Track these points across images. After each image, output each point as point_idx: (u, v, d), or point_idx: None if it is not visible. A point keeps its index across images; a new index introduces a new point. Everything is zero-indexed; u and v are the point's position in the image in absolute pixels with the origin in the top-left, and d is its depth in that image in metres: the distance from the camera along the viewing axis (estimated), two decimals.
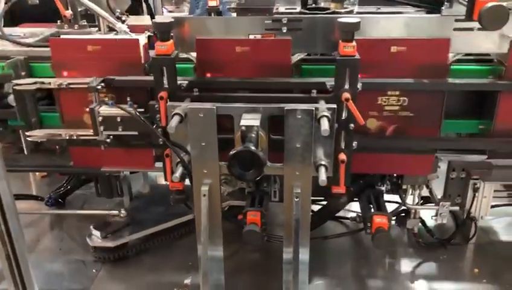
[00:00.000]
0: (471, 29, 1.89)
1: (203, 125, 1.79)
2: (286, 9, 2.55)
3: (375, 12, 2.46)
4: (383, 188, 2.35)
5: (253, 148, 1.65)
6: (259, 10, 2.65)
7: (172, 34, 1.99)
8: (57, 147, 2.44)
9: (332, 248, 2.57)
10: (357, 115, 1.82)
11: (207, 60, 2.04)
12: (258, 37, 2.03)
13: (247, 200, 2.27)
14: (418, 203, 2.37)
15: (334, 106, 1.79)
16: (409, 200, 2.39)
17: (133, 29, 2.45)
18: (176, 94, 1.91)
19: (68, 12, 2.51)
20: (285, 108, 1.75)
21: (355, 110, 1.82)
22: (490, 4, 1.61)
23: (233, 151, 1.66)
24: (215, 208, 1.94)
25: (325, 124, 1.69)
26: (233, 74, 2.03)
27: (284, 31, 2.01)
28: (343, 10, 2.42)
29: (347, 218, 2.72)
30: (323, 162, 1.84)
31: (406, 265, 2.47)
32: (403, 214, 2.49)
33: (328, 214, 2.54)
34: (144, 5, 2.68)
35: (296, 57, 2.07)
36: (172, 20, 1.90)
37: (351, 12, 2.42)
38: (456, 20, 1.89)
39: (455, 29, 1.92)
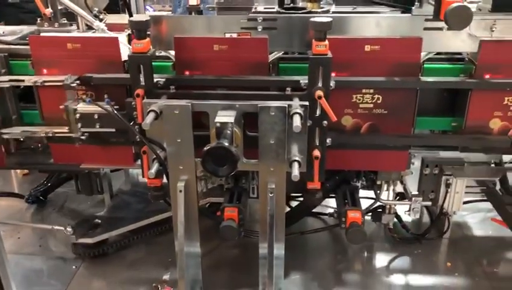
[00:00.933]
0: (440, 28, 1.95)
1: (179, 122, 1.82)
2: (265, 8, 2.58)
3: (351, 12, 2.50)
4: (358, 184, 2.40)
5: (226, 144, 1.69)
6: (239, 9, 2.70)
7: (149, 33, 2.04)
8: (39, 144, 2.46)
9: (310, 243, 2.62)
10: (329, 112, 1.87)
11: (185, 58, 2.07)
12: (234, 35, 2.07)
13: (225, 197, 2.31)
14: (392, 198, 2.42)
15: (307, 103, 1.84)
16: (385, 196, 2.44)
17: (113, 27, 2.48)
18: (152, 91, 1.94)
19: (48, 11, 2.52)
20: (259, 105, 1.79)
21: (328, 107, 1.86)
22: (454, 5, 1.66)
23: (207, 148, 1.69)
24: (192, 203, 1.97)
25: (297, 121, 1.73)
26: (211, 72, 2.06)
27: (260, 29, 2.05)
28: (319, 10, 2.47)
29: (326, 214, 2.78)
30: (296, 158, 1.88)
31: (381, 259, 2.52)
32: (380, 210, 2.54)
33: (305, 209, 2.58)
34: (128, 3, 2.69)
35: (273, 56, 2.11)
36: (149, 18, 1.93)
37: (327, 12, 2.46)
38: (426, 20, 1.95)
39: (425, 29, 1.97)
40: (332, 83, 1.94)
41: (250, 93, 1.91)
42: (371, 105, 2.09)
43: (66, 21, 2.55)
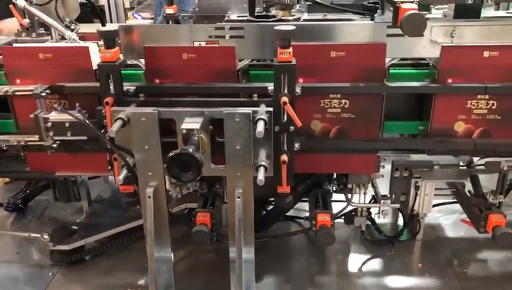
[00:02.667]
0: (402, 35, 1.99)
1: (146, 129, 1.86)
2: (238, 16, 2.64)
3: (321, 19, 2.55)
4: (330, 188, 2.44)
5: (190, 150, 1.72)
6: (213, 18, 2.75)
7: (120, 42, 2.08)
8: (22, 153, 2.48)
9: (284, 247, 2.65)
10: (294, 118, 1.91)
11: (155, 66, 2.11)
12: (203, 44, 2.11)
13: (199, 202, 2.34)
14: (363, 201, 2.46)
15: (271, 109, 1.88)
16: (358, 199, 2.48)
17: (89, 37, 2.52)
18: (122, 99, 1.98)
19: (25, 21, 2.56)
20: (224, 112, 1.83)
21: (293, 113, 1.90)
22: (409, 12, 1.71)
23: (171, 154, 1.73)
24: (162, 209, 2.01)
25: (260, 127, 1.77)
26: (181, 80, 2.11)
27: (227, 38, 2.09)
28: (290, 18, 2.52)
29: (302, 217, 2.82)
30: (263, 163, 1.92)
31: (354, 262, 2.56)
32: (353, 213, 2.58)
33: (279, 213, 2.62)
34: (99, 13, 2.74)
35: (242, 63, 2.16)
36: (117, 28, 1.97)
37: (298, 19, 2.52)
38: (388, 27, 2.00)
39: (388, 35, 2.02)
40: (298, 89, 1.99)
41: (216, 100, 1.96)
42: (339, 110, 2.14)
43: (43, 31, 2.60)
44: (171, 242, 2.10)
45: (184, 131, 1.82)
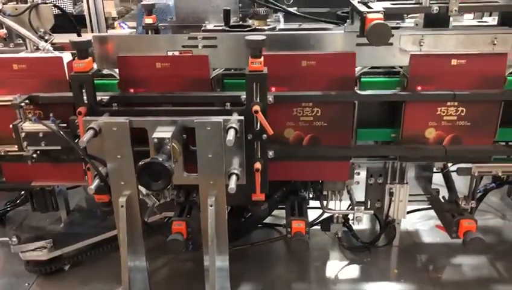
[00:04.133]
0: (370, 44, 2.03)
1: (117, 138, 1.87)
2: (215, 26, 2.67)
3: (296, 29, 2.59)
4: (306, 195, 2.47)
5: (160, 159, 1.74)
6: (191, 28, 2.78)
7: (94, 52, 2.10)
8: None
9: (264, 254, 2.66)
10: (265, 126, 1.94)
11: (129, 76, 2.13)
12: (176, 53, 2.13)
13: (175, 211, 2.35)
14: (340, 208, 2.48)
15: (242, 117, 1.90)
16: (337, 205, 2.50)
17: (66, 47, 2.53)
18: (95, 109, 2.00)
19: (2, 31, 2.57)
20: (195, 121, 1.85)
21: (265, 121, 1.93)
22: (374, 22, 1.75)
23: (140, 163, 1.74)
24: (135, 218, 2.01)
25: (230, 135, 1.79)
26: (155, 89, 2.13)
27: (200, 48, 2.12)
28: (266, 27, 2.55)
29: (281, 225, 2.83)
30: (235, 171, 1.94)
31: (332, 268, 2.58)
32: (330, 220, 2.60)
33: (255, 221, 2.64)
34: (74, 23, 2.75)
35: (216, 72, 2.18)
36: (90, 39, 1.99)
37: (273, 29, 2.56)
38: (358, 36, 2.03)
39: (357, 45, 2.05)
40: (271, 98, 2.02)
41: (188, 109, 1.98)
42: (311, 118, 2.17)
43: (21, 41, 2.61)
44: (146, 251, 2.11)
45: (155, 140, 1.83)
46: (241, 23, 2.67)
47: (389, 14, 2.54)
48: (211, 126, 1.85)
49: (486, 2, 2.09)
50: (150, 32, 2.85)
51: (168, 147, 1.82)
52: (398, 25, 2.50)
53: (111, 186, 1.96)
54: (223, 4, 2.62)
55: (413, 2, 2.06)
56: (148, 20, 2.84)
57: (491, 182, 2.76)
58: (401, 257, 2.63)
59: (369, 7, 1.92)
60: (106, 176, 1.95)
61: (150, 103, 2.08)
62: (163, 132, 1.85)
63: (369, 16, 1.79)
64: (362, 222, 2.53)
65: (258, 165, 2.02)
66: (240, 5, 2.74)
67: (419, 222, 2.88)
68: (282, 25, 2.68)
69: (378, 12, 1.82)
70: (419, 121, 2.15)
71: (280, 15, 2.80)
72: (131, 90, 2.15)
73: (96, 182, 1.93)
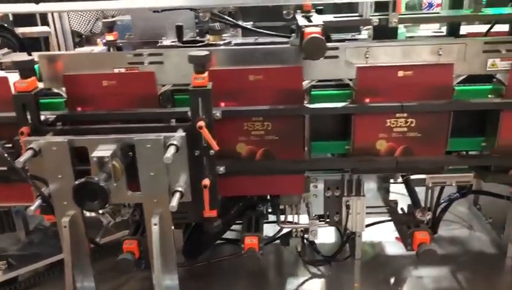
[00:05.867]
0: None
1: (58, 158, 1.85)
2: (172, 42, 2.66)
3: (252, 43, 2.59)
4: (263, 209, 2.44)
5: (95, 179, 1.71)
6: (151, 43, 2.77)
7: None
8: None
9: (224, 271, 2.63)
10: (210, 142, 1.92)
11: (76, 94, 2.11)
12: (123, 70, 2.12)
13: (130, 229, 2.32)
14: (298, 222, 2.46)
15: (183, 134, 1.88)
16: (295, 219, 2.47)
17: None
18: (39, 129, 1.98)
19: None
20: (134, 138, 1.83)
21: (209, 137, 1.91)
22: (310, 36, 1.74)
23: (75, 183, 1.72)
24: (80, 238, 1.98)
25: (169, 153, 1.77)
26: (103, 107, 2.11)
27: (146, 64, 2.10)
28: (221, 42, 2.55)
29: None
30: (179, 189, 1.91)
31: (292, 283, 2.54)
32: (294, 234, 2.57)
33: (212, 238, 2.61)
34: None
35: (164, 88, 2.16)
36: (32, 58, 1.98)
37: (228, 44, 2.55)
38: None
39: (304, 58, 2.04)
40: (218, 113, 2.01)
41: (131, 127, 1.96)
42: (262, 132, 2.15)
43: None
44: (95, 272, 2.07)
45: (95, 159, 1.81)
46: (197, 38, 2.67)
47: (346, 27, 2.59)
48: (151, 143, 1.83)
49: (426, 14, 2.09)
50: (112, 49, 2.86)
51: (107, 165, 1.80)
52: (353, 37, 2.52)
53: (54, 206, 1.93)
54: (180, 20, 2.61)
55: (357, 14, 2.07)
56: (109, 37, 2.84)
57: (455, 192, 2.76)
58: (363, 270, 2.59)
59: (310, 21, 1.92)
60: (49, 196, 1.93)
61: (95, 121, 2.06)
62: (103, 151, 1.82)
63: (307, 29, 1.79)
64: (324, 235, 2.51)
65: (206, 181, 2.00)
66: (197, 20, 2.73)
67: (382, 234, 2.84)
68: (239, 40, 2.68)
69: (316, 26, 1.82)
70: (369, 133, 2.13)
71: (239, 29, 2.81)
72: (79, 109, 2.13)
73: (38, 202, 1.89)
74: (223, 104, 2.11)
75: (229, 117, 2.08)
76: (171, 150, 1.79)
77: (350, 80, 2.13)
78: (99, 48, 3.41)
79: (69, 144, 1.84)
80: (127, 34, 2.93)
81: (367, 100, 2.09)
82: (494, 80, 2.14)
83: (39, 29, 3.58)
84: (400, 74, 2.06)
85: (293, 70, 2.06)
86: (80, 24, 4.35)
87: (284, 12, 2.03)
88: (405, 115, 2.10)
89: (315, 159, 2.29)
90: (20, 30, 3.86)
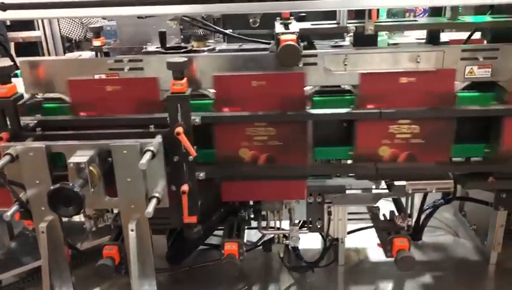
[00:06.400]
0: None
1: (35, 164, 1.85)
2: (157, 48, 2.68)
3: (236, 49, 2.60)
4: (245, 215, 2.44)
5: (70, 185, 1.72)
6: (133, 50, 2.80)
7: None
8: None
9: (206, 276, 2.63)
10: (188, 148, 1.93)
11: (79, 99, 2.13)
12: (103, 76, 2.13)
13: (111, 234, 2.32)
14: (280, 227, 2.46)
15: (160, 140, 1.89)
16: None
17: None
18: (18, 134, 1.99)
19: None
20: (110, 144, 1.84)
21: (187, 143, 1.92)
22: (284, 43, 1.75)
23: (50, 189, 1.73)
24: (58, 244, 1.99)
25: (144, 159, 1.78)
26: (106, 112, 2.12)
27: (126, 70, 2.12)
28: (205, 48, 2.56)
29: None
30: (156, 195, 1.92)
31: (274, 289, 2.54)
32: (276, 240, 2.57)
33: (193, 244, 2.61)
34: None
35: None
36: (11, 64, 1.99)
37: (212, 50, 2.56)
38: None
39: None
40: (198, 119, 2.01)
41: (109, 132, 1.97)
42: (265, 137, 2.14)
43: None
44: (75, 277, 2.08)
45: (71, 165, 1.82)
46: (182, 44, 2.69)
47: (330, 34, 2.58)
48: (128, 149, 1.84)
49: (403, 21, 2.10)
50: (99, 54, 2.87)
51: (83, 171, 1.81)
52: (336, 44, 2.52)
53: (32, 212, 1.93)
54: (164, 26, 2.63)
55: (334, 22, 2.08)
56: (96, 43, 2.86)
57: (440, 198, 2.76)
58: (346, 277, 2.59)
59: (287, 28, 1.93)
60: (27, 201, 1.93)
61: (76, 127, 2.07)
62: (80, 157, 1.83)
63: (282, 37, 1.80)
64: (308, 241, 2.51)
65: (185, 187, 2.01)
66: (181, 26, 2.75)
67: (366, 240, 2.83)
68: (224, 46, 2.69)
69: (292, 33, 1.83)
70: (372, 139, 2.13)
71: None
72: (82, 114, 2.14)
73: (15, 207, 1.90)
74: (226, 109, 2.11)
75: (232, 122, 2.10)
76: (146, 156, 1.79)
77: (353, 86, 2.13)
78: (88, 54, 3.44)
79: (46, 149, 1.85)
80: (112, 39, 2.95)
81: (369, 106, 2.08)
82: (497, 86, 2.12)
83: (29, 34, 3.60)
84: (403, 80, 2.05)
85: (296, 76, 2.05)
86: (71, 30, 4.38)
87: (251, 20, 2.02)
88: (408, 121, 2.09)
89: (318, 165, 2.29)
90: (11, 34, 3.91)
